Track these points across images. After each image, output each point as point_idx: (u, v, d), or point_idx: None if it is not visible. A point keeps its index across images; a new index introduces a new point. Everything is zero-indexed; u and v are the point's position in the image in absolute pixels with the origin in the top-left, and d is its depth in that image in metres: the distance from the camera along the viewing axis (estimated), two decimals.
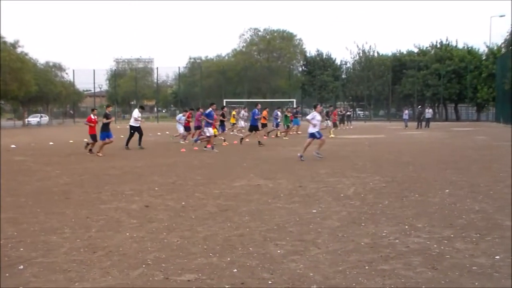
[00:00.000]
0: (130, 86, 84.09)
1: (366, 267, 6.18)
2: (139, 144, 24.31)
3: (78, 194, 11.67)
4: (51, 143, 29.28)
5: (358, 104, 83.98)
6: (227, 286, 5.62)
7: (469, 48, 75.49)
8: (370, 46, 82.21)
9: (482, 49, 75.53)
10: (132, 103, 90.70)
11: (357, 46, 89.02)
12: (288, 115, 34.97)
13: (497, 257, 6.57)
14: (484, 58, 73.02)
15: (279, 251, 6.90)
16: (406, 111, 52.76)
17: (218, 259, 6.57)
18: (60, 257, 6.72)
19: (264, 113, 30.63)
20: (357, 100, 79.24)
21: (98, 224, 8.58)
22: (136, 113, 24.64)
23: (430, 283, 5.64)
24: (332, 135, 33.70)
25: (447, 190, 11.72)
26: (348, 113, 52.92)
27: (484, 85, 69.65)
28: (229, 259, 6.56)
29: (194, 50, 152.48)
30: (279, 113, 34.46)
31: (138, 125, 24.23)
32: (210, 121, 23.44)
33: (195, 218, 8.96)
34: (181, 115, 29.58)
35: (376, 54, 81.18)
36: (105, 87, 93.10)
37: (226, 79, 76.96)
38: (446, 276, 5.84)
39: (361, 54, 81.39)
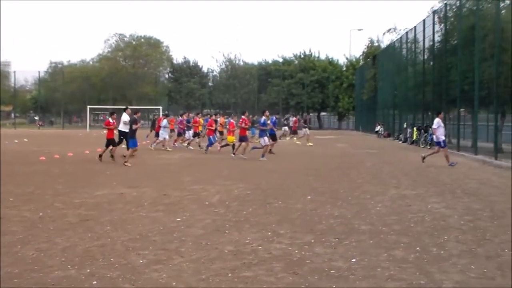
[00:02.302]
0: None
1: (229, 275, 6.20)
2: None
3: None
4: None
5: (225, 112, 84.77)
6: None
7: (331, 59, 78.66)
8: (236, 55, 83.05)
9: (342, 60, 79.11)
10: None
11: (223, 55, 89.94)
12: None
13: (353, 260, 6.83)
14: (344, 69, 76.47)
15: (141, 261, 6.75)
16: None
17: (77, 271, 6.31)
18: None
19: (210, 122, 29.13)
20: (224, 108, 79.85)
21: None
22: (125, 116, 22.78)
23: None
24: (298, 142, 34.19)
25: (309, 197, 12.07)
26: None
27: (345, 94, 72.97)
28: (88, 271, 6.33)
29: (56, 54, 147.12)
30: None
31: (127, 130, 22.40)
32: (265, 128, 23.24)
33: (54, 229, 8.57)
34: (165, 120, 28.33)
35: (241, 63, 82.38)
36: None
37: (90, 85, 74.74)
38: (306, 281, 5.98)
39: (227, 63, 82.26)
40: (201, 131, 30.83)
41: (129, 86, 75.39)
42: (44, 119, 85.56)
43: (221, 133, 31.10)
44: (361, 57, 66.88)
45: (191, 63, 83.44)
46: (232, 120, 25.58)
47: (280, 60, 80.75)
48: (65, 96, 75.54)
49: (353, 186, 13.92)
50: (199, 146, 28.42)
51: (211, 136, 26.87)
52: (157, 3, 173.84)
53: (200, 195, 12.29)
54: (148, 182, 14.49)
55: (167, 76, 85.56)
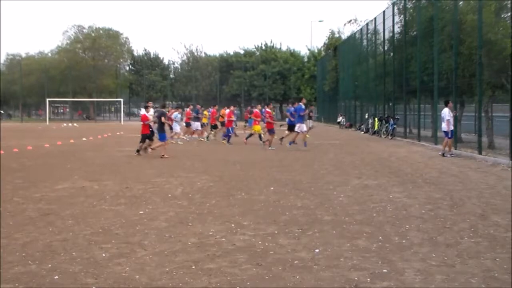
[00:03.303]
0: None
1: (193, 267, 6.18)
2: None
3: None
4: None
5: (187, 104, 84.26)
6: None
7: (292, 51, 78.91)
8: (197, 47, 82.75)
9: (304, 51, 79.38)
10: None
11: (184, 47, 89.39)
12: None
13: (317, 250, 6.87)
14: (306, 60, 76.81)
15: (104, 255, 6.68)
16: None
17: (38, 266, 6.22)
18: None
19: (229, 113, 28.33)
20: (186, 100, 79.52)
21: None
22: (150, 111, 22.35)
23: (254, 279, 5.75)
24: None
25: (272, 188, 12.09)
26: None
27: (306, 86, 73.24)
28: (50, 265, 6.24)
29: (13, 46, 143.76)
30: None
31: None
32: (303, 114, 23.28)
33: (13, 224, 8.41)
34: (177, 113, 27.64)
35: (203, 55, 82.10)
36: None
37: (49, 77, 73.40)
38: (269, 272, 5.99)
39: (188, 55, 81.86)
40: (206, 123, 30.90)
41: (89, 78, 74.36)
42: (2, 112, 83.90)
43: (222, 123, 30.89)
44: (322, 48, 67.15)
45: (151, 55, 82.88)
46: (256, 110, 25.54)
47: (242, 51, 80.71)
48: (23, 89, 74.13)
49: (315, 177, 14.00)
50: (214, 137, 29.05)
51: (230, 127, 26.97)
52: None
53: (163, 187, 12.22)
54: (110, 175, 14.35)
55: (127, 68, 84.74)
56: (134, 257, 6.60)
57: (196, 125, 29.74)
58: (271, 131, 23.66)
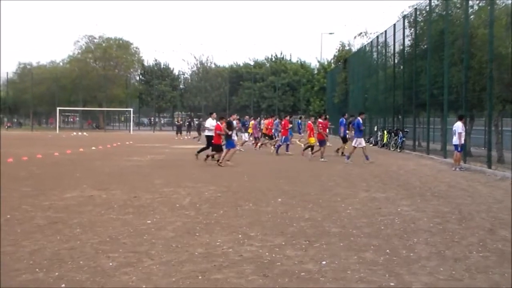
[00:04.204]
0: None
1: (199, 277, 6.17)
2: (199, 152, 22.89)
3: None
4: None
5: (196, 115, 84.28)
6: None
7: (302, 62, 78.98)
8: (207, 58, 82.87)
9: (314, 63, 79.43)
10: None
11: (195, 57, 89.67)
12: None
13: (324, 262, 6.84)
14: (316, 72, 76.79)
15: (111, 264, 6.69)
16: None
17: (45, 274, 6.22)
18: None
19: (285, 122, 28.46)
20: (195, 110, 79.61)
21: None
22: (210, 122, 22.65)
23: None
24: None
25: (279, 199, 12.07)
26: (187, 123, 53.14)
27: (316, 98, 73.20)
28: (57, 274, 6.24)
29: (25, 55, 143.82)
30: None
31: (212, 134, 22.10)
32: (362, 128, 23.15)
33: (21, 231, 8.44)
34: (234, 123, 27.78)
35: (213, 66, 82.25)
36: None
37: (60, 86, 73.72)
38: (276, 283, 5.97)
39: (198, 65, 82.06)
40: (250, 133, 31.24)
41: (100, 88, 74.76)
42: (12, 120, 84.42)
43: (270, 136, 31.06)
44: (332, 61, 67.14)
45: (162, 65, 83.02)
46: (310, 122, 25.68)
47: (252, 63, 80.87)
48: (34, 97, 74.46)
49: (323, 189, 13.97)
50: (273, 148, 28.89)
51: (284, 137, 27.24)
52: (126, 4, 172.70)
53: (171, 197, 12.23)
54: (118, 185, 14.37)
55: (137, 78, 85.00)
56: (141, 266, 6.60)
57: (245, 136, 30.06)
58: (322, 142, 23.71)
